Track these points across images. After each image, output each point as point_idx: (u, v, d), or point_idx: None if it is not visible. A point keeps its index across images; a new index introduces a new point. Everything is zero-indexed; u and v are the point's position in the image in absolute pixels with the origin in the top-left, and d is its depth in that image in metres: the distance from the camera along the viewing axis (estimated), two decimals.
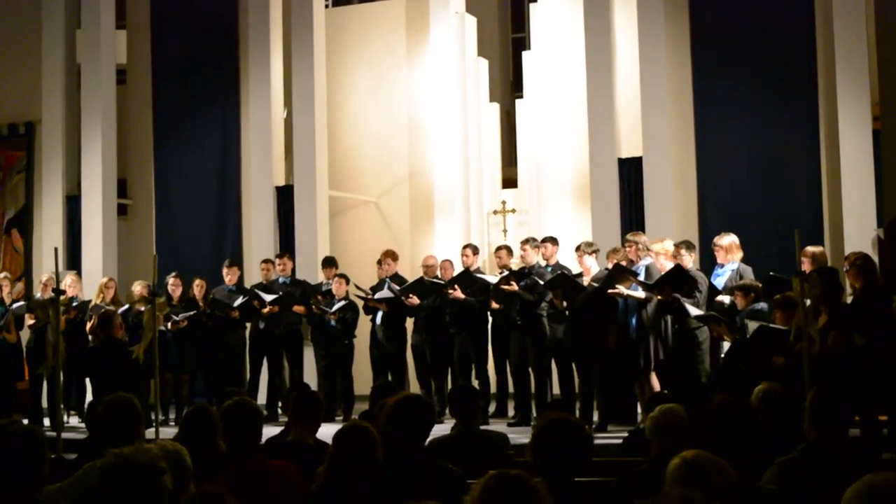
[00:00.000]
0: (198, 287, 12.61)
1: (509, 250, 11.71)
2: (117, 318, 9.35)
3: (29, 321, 12.10)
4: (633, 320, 9.97)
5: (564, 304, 10.62)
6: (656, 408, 4.91)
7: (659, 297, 9.71)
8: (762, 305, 9.06)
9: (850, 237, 11.75)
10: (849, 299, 8.69)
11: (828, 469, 4.49)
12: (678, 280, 9.60)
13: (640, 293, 9.90)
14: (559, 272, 10.61)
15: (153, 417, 8.73)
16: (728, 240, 10.12)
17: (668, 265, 9.88)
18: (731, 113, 12.82)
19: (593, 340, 10.31)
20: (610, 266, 10.24)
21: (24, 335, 12.44)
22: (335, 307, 11.96)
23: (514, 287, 10.91)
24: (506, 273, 11.18)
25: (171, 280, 12.36)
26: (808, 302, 7.74)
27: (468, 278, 11.42)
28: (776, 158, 12.60)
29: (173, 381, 12.16)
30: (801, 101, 12.56)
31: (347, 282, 12.22)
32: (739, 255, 10.11)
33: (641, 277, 9.88)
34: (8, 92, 16.08)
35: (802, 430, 4.84)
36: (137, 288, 12.11)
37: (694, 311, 9.42)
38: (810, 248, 9.52)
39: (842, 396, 4.97)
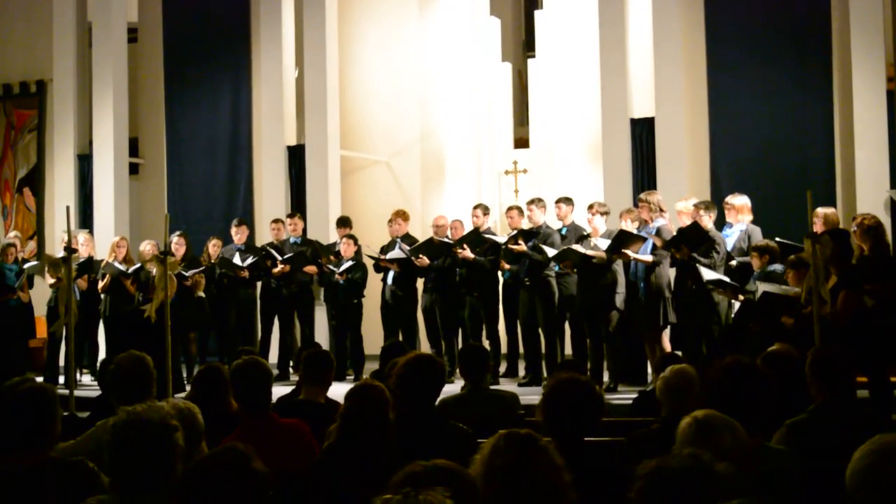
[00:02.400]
0: (214, 246, 12.63)
1: (520, 211, 11.64)
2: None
3: (50, 280, 12.12)
4: (642, 283, 9.97)
5: (574, 270, 10.61)
6: (667, 368, 4.91)
7: (677, 255, 9.67)
8: (776, 267, 9.03)
9: (862, 198, 11.70)
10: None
11: (837, 430, 4.50)
12: (695, 238, 9.55)
13: (648, 257, 9.87)
14: (566, 248, 10.49)
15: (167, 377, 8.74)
16: (741, 200, 10.08)
17: None
18: (744, 73, 12.72)
19: (603, 301, 10.30)
20: (623, 226, 10.20)
21: (45, 294, 12.47)
22: (343, 267, 11.96)
23: (523, 247, 10.90)
24: (514, 233, 11.17)
25: (174, 239, 12.18)
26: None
27: (477, 238, 11.40)
28: (789, 119, 12.52)
29: (181, 340, 12.12)
30: (815, 61, 12.45)
31: (356, 242, 12.21)
32: (749, 217, 10.07)
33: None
34: (19, 51, 16.05)
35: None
36: (147, 247, 12.10)
37: (707, 275, 9.35)
38: (822, 210, 9.43)
39: (841, 358, 4.96)
